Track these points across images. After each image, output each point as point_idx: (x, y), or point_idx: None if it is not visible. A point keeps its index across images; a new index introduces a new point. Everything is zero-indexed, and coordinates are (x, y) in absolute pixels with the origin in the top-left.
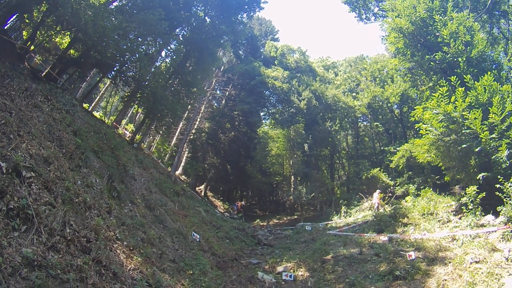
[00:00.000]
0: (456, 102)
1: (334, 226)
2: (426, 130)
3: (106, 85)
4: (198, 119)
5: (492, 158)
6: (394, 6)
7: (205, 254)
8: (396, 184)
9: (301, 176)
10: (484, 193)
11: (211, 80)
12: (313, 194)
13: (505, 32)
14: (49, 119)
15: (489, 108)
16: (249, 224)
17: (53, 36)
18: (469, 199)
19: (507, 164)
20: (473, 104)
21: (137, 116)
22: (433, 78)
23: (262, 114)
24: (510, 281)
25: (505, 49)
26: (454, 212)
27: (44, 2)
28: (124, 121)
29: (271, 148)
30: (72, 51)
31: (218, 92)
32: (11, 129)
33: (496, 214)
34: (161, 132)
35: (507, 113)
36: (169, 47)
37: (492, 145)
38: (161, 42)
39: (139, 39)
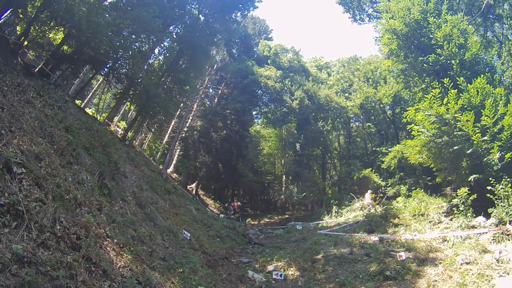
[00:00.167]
0: (448, 104)
1: (325, 225)
2: (418, 132)
3: (99, 82)
4: (190, 117)
5: (484, 160)
6: (389, 8)
7: (196, 252)
8: (388, 185)
9: (292, 175)
10: (476, 194)
11: (204, 78)
12: (304, 193)
13: (499, 36)
14: (41, 115)
15: (482, 110)
16: (240, 223)
17: (47, 32)
18: (460, 200)
19: (499, 167)
20: (465, 106)
21: (130, 114)
22: (426, 80)
23: (254, 113)
24: (500, 282)
25: (499, 52)
26: (445, 213)
27: None
28: (116, 118)
29: (263, 147)
30: (65, 47)
31: (210, 90)
32: (2, 124)
33: (487, 215)
34: (153, 129)
35: (499, 116)
36: (162, 45)
37: (484, 147)
38: (154, 40)
39: (133, 36)
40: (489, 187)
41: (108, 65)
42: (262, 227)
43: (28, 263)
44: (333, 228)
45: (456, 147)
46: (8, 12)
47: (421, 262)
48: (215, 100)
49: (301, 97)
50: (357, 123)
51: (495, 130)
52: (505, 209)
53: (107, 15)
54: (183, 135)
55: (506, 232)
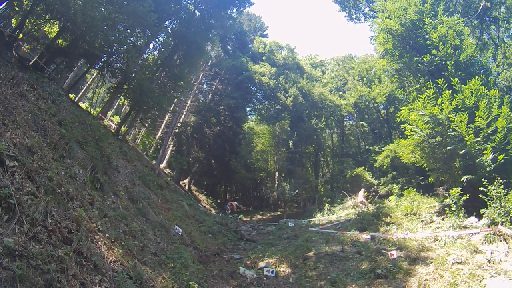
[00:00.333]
0: (442, 105)
1: (317, 223)
2: (411, 131)
3: (93, 76)
4: (184, 113)
5: (477, 161)
6: (385, 7)
7: (187, 248)
8: (380, 184)
9: (285, 172)
10: (468, 195)
11: (198, 74)
12: (296, 191)
13: (494, 38)
14: (34, 108)
15: (476, 112)
16: (232, 219)
17: (42, 25)
18: (452, 200)
19: (492, 168)
20: (459, 107)
21: (123, 108)
22: (420, 80)
23: (248, 109)
24: (492, 283)
25: (494, 54)
26: (437, 213)
27: None
28: (110, 113)
29: (256, 144)
30: (60, 41)
31: (205, 86)
32: None
33: (479, 216)
34: (146, 124)
35: (493, 117)
36: (157, 40)
37: (477, 148)
38: (149, 34)
39: (128, 30)
40: (481, 188)
41: (102, 59)
42: (254, 223)
43: (19, 257)
44: (325, 225)
45: (449, 148)
46: (3, 4)
47: (413, 261)
48: (209, 96)
49: (295, 94)
50: (350, 122)
51: (488, 132)
52: (497, 210)
53: (102, 9)
54: (177, 130)
55: (498, 233)
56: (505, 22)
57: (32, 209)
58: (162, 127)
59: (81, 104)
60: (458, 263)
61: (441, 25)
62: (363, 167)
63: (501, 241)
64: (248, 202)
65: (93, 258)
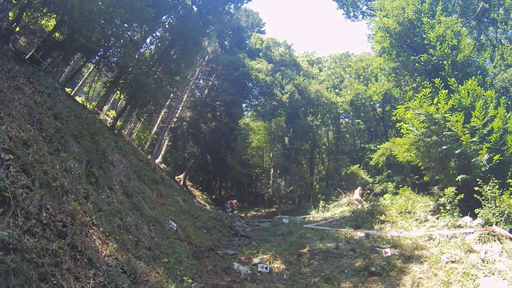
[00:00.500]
0: (438, 104)
1: (311, 220)
2: (407, 130)
3: (90, 70)
4: (180, 108)
5: (472, 161)
6: (383, 6)
7: (182, 243)
8: (375, 182)
9: (280, 169)
10: (463, 194)
11: (195, 69)
12: (291, 187)
13: (492, 40)
14: (30, 102)
15: (472, 112)
16: (226, 215)
17: (39, 18)
18: (447, 200)
19: (487, 168)
20: (455, 107)
21: (119, 103)
22: (417, 79)
23: (244, 105)
24: (485, 282)
25: (492, 56)
26: (431, 212)
27: None
28: (106, 107)
29: (251, 140)
30: (57, 34)
31: (201, 81)
32: None
33: (474, 216)
34: (142, 119)
35: (489, 118)
36: (154, 34)
37: (472, 148)
38: (146, 29)
39: (125, 24)
40: (476, 188)
41: (99, 53)
42: (249, 219)
43: (14, 250)
44: (319, 222)
45: (444, 147)
46: None
47: (407, 259)
48: (205, 92)
49: (292, 91)
50: (346, 119)
51: (484, 132)
52: (492, 210)
53: (100, 3)
54: (172, 125)
55: (492, 233)
56: (503, 23)
57: (27, 202)
58: (158, 122)
59: (77, 98)
60: (452, 262)
61: (439, 25)
62: (359, 165)
63: (495, 241)
64: (243, 198)
65: (87, 252)
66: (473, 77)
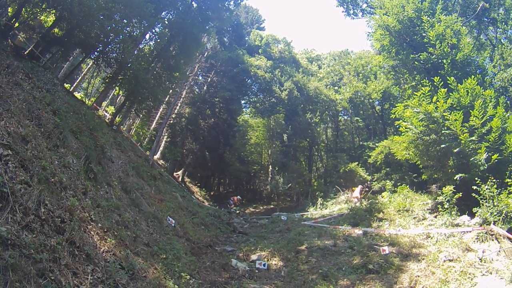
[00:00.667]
0: (437, 103)
1: (309, 217)
2: (406, 128)
3: (89, 66)
4: (179, 104)
5: (471, 160)
6: (383, 4)
7: (180, 239)
8: (373, 179)
9: (279, 166)
10: (461, 193)
11: (194, 65)
12: (290, 184)
13: (492, 39)
14: (29, 97)
15: (471, 111)
16: (225, 211)
17: (38, 14)
18: (445, 198)
19: (485, 167)
20: (454, 105)
21: (118, 99)
22: (416, 78)
23: (243, 102)
24: (483, 281)
25: (491, 55)
26: (429, 210)
27: None
28: (104, 103)
29: (250, 137)
30: (56, 30)
31: (200, 78)
32: None
33: (472, 215)
34: (141, 115)
35: (488, 117)
36: (153, 30)
37: (471, 147)
38: (146, 25)
39: (124, 20)
40: (474, 187)
41: (98, 49)
42: (247, 216)
43: (12, 246)
44: (317, 219)
45: (443, 146)
46: None
47: (404, 257)
48: (204, 88)
49: (291, 88)
50: (345, 117)
51: (483, 131)
52: (490, 209)
53: None
54: (171, 121)
55: (490, 232)
56: (503, 23)
57: (25, 198)
58: (156, 118)
59: (76, 94)
60: (450, 260)
61: (439, 23)
62: (357, 163)
63: (493, 240)
64: (242, 195)
65: (85, 248)
66: (473, 76)
